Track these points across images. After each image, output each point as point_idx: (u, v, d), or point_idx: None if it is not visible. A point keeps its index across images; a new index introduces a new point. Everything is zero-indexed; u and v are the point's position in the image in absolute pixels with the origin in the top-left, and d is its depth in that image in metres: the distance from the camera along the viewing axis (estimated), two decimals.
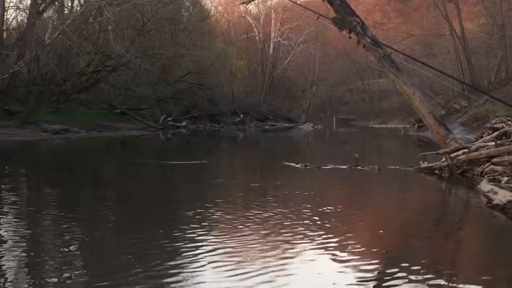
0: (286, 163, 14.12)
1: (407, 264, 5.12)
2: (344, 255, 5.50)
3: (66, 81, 27.54)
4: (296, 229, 6.58)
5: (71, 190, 10.15)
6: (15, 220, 7.13)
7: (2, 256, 5.20)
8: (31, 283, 4.55)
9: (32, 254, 5.42)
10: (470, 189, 10.60)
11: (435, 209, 9.06)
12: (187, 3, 41.05)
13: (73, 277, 4.60)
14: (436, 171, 12.50)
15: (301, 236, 6.29)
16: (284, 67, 51.63)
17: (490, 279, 4.87)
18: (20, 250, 5.49)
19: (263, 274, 4.83)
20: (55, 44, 25.80)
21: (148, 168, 13.96)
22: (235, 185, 11.70)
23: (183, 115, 36.94)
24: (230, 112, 41.65)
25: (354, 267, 5.14)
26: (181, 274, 4.80)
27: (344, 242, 6.02)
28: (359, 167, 13.14)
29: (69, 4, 32.35)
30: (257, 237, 6.21)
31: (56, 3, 28.69)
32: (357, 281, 4.73)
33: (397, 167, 13.55)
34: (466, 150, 12.56)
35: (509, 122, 15.01)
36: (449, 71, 32.74)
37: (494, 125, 15.37)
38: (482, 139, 14.31)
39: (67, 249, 5.52)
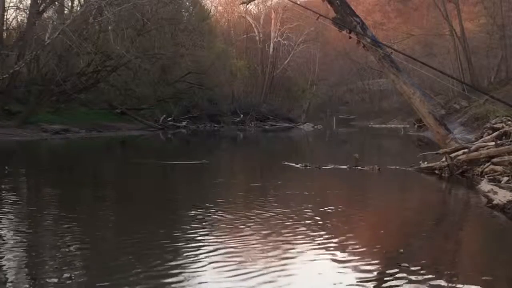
0: (286, 163, 14.12)
1: (407, 264, 5.12)
2: (344, 255, 5.51)
3: (66, 81, 27.54)
4: (296, 229, 6.58)
5: (71, 190, 10.15)
6: (15, 220, 7.13)
7: (2, 256, 5.20)
8: (31, 283, 4.55)
9: (32, 254, 5.42)
10: (470, 189, 10.61)
11: (435, 209, 9.06)
12: (187, 3, 41.06)
13: (73, 277, 4.60)
14: (436, 171, 12.50)
15: (302, 236, 6.29)
16: (284, 67, 51.63)
17: (490, 279, 4.87)
18: (20, 250, 5.49)
19: (264, 274, 4.83)
20: (55, 44, 25.80)
21: (148, 168, 13.96)
22: (235, 185, 11.70)
23: (183, 115, 36.94)
24: (230, 112, 41.65)
25: (355, 267, 5.14)
26: (182, 274, 4.80)
27: (345, 242, 6.03)
28: (359, 167, 13.14)
29: (69, 4, 32.41)
30: (258, 237, 6.21)
31: (56, 3, 28.69)
32: (358, 281, 4.72)
33: (397, 167, 13.55)
34: (466, 150, 12.56)
35: (509, 122, 15.02)
36: (449, 71, 32.74)
37: (494, 125, 15.38)
38: (482, 139, 14.31)
39: (67, 249, 5.53)
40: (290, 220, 7.09)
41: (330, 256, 5.49)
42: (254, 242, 5.99)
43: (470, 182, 11.21)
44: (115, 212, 8.08)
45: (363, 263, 5.26)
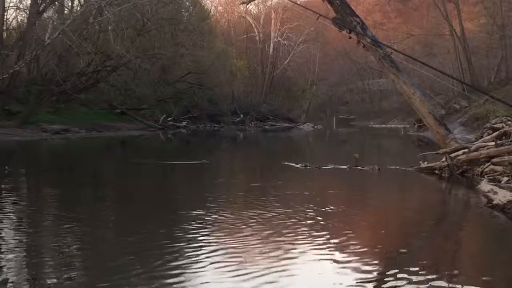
0: (286, 163, 14.12)
1: (407, 265, 5.12)
2: (345, 256, 5.50)
3: (66, 81, 27.55)
4: (297, 229, 6.59)
5: (71, 190, 10.15)
6: (15, 220, 7.13)
7: (2, 256, 5.20)
8: (31, 283, 4.54)
9: (32, 254, 5.43)
10: (470, 189, 10.61)
11: (435, 209, 9.06)
12: (187, 3, 41.07)
13: (73, 277, 4.60)
14: (436, 171, 12.50)
15: (303, 236, 6.29)
16: (284, 67, 51.65)
17: (490, 279, 4.87)
18: (20, 250, 5.49)
19: (264, 274, 4.82)
20: (55, 44, 25.80)
21: (148, 168, 13.95)
22: (235, 185, 11.70)
23: (183, 115, 36.95)
24: (230, 112, 41.66)
25: (355, 267, 5.14)
26: (183, 275, 4.80)
27: (345, 242, 6.03)
28: (359, 167, 13.14)
29: (69, 4, 32.42)
30: (258, 237, 6.21)
31: (56, 3, 28.69)
32: (358, 282, 4.72)
33: (397, 167, 13.55)
34: (466, 150, 12.56)
35: (509, 122, 15.02)
36: (449, 71, 32.74)
37: (494, 125, 15.38)
38: (482, 139, 14.31)
39: (67, 249, 5.53)
40: (291, 220, 7.08)
41: (330, 256, 5.49)
42: (254, 242, 5.99)
43: (470, 182, 11.21)
44: (115, 212, 8.08)
45: (363, 263, 5.26)
